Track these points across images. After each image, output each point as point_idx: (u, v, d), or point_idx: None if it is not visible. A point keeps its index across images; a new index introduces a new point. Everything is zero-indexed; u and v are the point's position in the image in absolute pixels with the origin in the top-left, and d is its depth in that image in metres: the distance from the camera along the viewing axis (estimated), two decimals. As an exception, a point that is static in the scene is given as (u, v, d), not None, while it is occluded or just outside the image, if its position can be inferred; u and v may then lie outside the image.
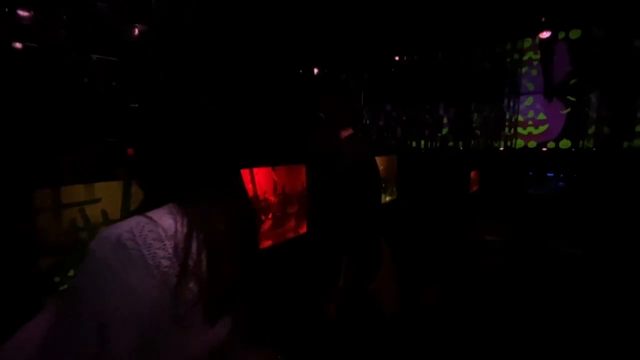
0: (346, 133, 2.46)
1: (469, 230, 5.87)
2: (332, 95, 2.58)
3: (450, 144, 7.54)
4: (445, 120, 7.32)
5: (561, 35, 7.35)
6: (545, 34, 6.83)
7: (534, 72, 7.71)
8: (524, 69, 7.79)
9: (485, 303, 3.39)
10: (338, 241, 2.43)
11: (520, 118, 7.94)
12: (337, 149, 2.41)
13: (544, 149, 7.86)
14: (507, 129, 7.86)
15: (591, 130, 7.14)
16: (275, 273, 3.27)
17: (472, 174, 7.40)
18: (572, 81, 7.37)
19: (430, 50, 6.49)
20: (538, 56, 7.58)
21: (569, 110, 7.43)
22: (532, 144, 8.00)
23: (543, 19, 6.46)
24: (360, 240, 2.35)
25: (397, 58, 6.15)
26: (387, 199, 5.15)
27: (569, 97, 7.51)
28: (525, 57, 7.79)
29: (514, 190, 7.54)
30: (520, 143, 8.10)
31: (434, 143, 6.75)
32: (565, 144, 7.62)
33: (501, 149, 8.05)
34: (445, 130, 7.68)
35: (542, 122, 7.77)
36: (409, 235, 4.99)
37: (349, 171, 2.30)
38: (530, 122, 7.89)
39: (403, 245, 4.51)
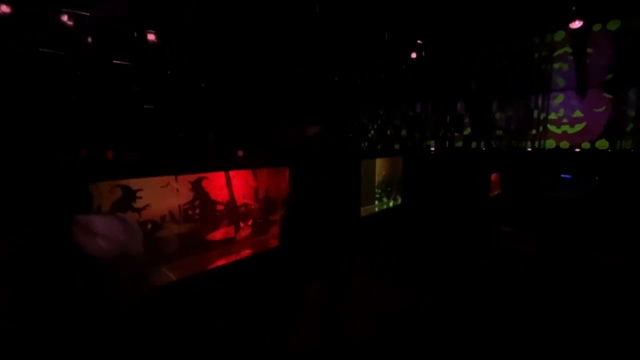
0: (312, 131, 2.21)
1: (487, 237, 5.44)
2: (298, 89, 2.37)
3: (473, 144, 7.10)
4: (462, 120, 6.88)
5: (597, 27, 6.71)
6: (576, 24, 6.23)
7: (565, 66, 7.09)
8: (555, 65, 7.18)
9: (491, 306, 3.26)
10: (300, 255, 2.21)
11: (553, 115, 7.32)
12: (296, 147, 2.18)
13: (577, 150, 7.22)
14: (534, 129, 7.30)
15: (629, 128, 6.49)
16: (251, 286, 3.06)
17: (493, 176, 6.91)
18: (609, 76, 6.73)
19: (443, 44, 6.10)
20: (571, 50, 6.96)
21: (604, 108, 6.79)
22: (564, 144, 7.38)
23: (573, 8, 5.91)
24: (316, 257, 2.11)
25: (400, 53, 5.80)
26: (391, 204, 4.87)
27: (605, 93, 6.86)
28: (559, 52, 7.17)
29: (540, 193, 6.97)
30: (550, 143, 7.49)
31: (444, 143, 6.32)
32: (602, 144, 6.97)
33: (529, 149, 7.50)
34: (467, 131, 7.25)
35: (577, 120, 7.11)
36: (415, 245, 4.65)
37: (301, 173, 2.07)
38: (565, 120, 7.24)
39: (408, 256, 4.23)
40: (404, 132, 6.02)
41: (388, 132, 5.76)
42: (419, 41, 5.95)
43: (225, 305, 2.75)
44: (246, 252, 3.22)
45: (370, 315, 2.74)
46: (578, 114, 7.00)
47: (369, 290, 3.15)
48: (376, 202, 4.75)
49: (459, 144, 7.15)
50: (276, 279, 2.64)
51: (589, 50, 6.70)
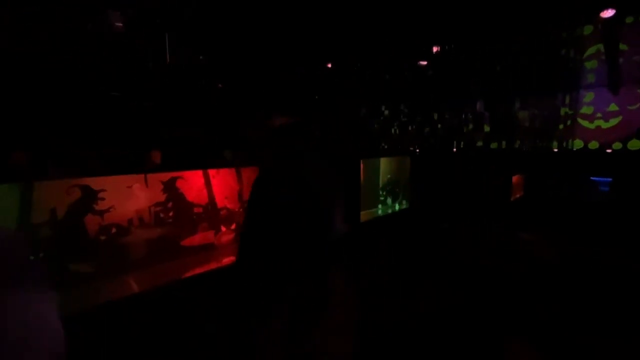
0: (280, 122, 1.88)
1: (506, 243, 5.06)
2: (266, 74, 2.06)
3: (494, 144, 6.65)
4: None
5: (629, 19, 6.16)
6: (608, 13, 5.72)
7: (595, 63, 6.53)
8: (587, 64, 6.63)
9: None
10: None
11: (585, 110, 6.75)
12: (262, 141, 1.87)
13: (609, 150, 6.65)
14: (561, 127, 6.76)
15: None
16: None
17: (515, 178, 6.44)
18: (646, 71, 6.16)
19: (458, 39, 5.68)
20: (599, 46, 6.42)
21: (638, 105, 6.22)
22: (593, 144, 6.81)
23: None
24: (283, 274, 1.78)
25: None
26: (397, 207, 4.52)
27: (640, 90, 6.29)
28: (591, 50, 6.61)
29: (566, 197, 6.45)
30: (578, 144, 6.94)
31: (459, 143, 5.90)
32: (634, 144, 6.40)
33: (555, 150, 6.97)
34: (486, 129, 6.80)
35: (613, 114, 6.52)
36: (423, 252, 4.32)
37: (267, 173, 1.76)
38: (598, 115, 6.65)
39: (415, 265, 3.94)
40: (411, 131, 5.63)
41: (393, 131, 5.39)
42: (431, 35, 5.57)
43: (196, 320, 2.50)
44: (227, 260, 2.95)
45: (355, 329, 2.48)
46: (613, 107, 6.43)
47: (360, 302, 2.89)
48: (380, 206, 4.41)
49: (479, 143, 6.72)
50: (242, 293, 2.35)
51: (622, 45, 6.17)
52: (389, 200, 4.56)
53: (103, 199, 2.35)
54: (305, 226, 1.81)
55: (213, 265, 2.88)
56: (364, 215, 4.13)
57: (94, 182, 2.32)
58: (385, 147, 5.26)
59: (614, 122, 6.44)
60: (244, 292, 1.96)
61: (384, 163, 4.38)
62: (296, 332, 1.91)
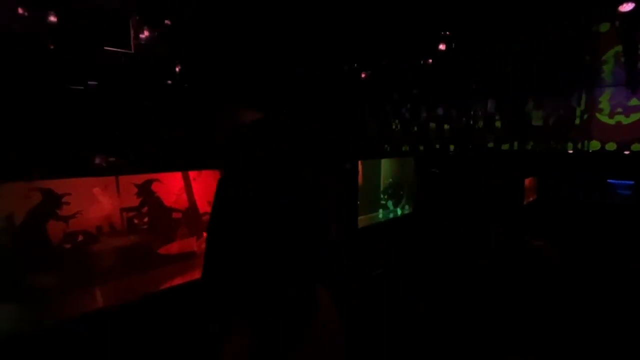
0: (253, 117, 1.66)
1: (506, 243, 4.86)
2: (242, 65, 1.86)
3: (505, 146, 6.39)
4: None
5: (647, 15, 5.84)
6: (627, 7, 5.43)
7: (612, 62, 6.21)
8: (606, 68, 6.33)
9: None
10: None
11: (603, 106, 6.44)
12: (232, 140, 1.65)
13: (627, 152, 6.35)
14: (578, 122, 6.47)
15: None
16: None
17: (528, 181, 6.18)
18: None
19: (466, 36, 5.45)
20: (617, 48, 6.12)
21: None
22: (610, 145, 6.51)
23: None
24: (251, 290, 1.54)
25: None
26: (399, 213, 4.28)
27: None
28: (610, 53, 6.30)
29: (582, 200, 6.21)
30: (595, 145, 6.63)
31: (467, 144, 5.65)
32: (654, 145, 6.11)
33: (570, 151, 6.68)
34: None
35: (634, 109, 6.19)
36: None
37: (231, 176, 1.53)
38: (619, 110, 6.32)
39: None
40: (415, 130, 5.40)
41: (394, 127, 5.16)
42: (437, 32, 5.35)
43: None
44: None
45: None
46: (635, 102, 6.12)
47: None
48: (380, 210, 4.18)
49: (490, 144, 6.48)
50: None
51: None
52: (391, 204, 4.33)
53: (68, 203, 2.16)
54: (305, 226, 1.60)
55: (195, 275, 2.67)
56: (363, 221, 3.90)
57: (57, 186, 2.12)
58: (388, 148, 5.05)
59: (635, 117, 6.13)
60: (220, 303, 1.73)
61: (385, 164, 4.16)
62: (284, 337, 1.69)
